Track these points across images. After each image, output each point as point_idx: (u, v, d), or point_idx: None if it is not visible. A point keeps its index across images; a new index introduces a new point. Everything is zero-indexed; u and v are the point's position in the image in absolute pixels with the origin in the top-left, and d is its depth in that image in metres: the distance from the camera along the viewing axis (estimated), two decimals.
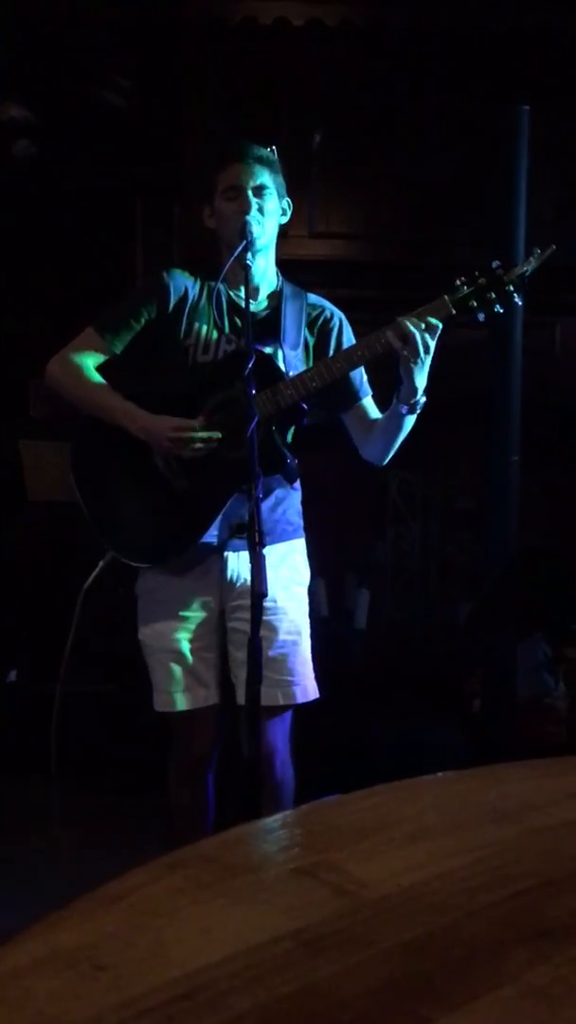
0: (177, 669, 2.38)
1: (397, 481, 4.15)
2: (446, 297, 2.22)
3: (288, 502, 2.43)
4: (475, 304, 2.22)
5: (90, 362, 2.39)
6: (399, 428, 2.34)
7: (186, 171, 2.69)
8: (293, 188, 2.46)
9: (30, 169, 3.78)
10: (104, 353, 2.39)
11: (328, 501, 2.59)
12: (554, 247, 2.28)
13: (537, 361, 3.60)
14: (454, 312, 2.21)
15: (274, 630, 2.35)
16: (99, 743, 3.61)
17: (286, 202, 2.40)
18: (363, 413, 2.44)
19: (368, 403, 2.45)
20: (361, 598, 4.07)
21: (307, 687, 2.40)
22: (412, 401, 2.27)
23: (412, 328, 2.17)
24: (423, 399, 2.28)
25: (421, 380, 2.24)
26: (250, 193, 2.31)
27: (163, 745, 2.54)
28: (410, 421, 2.33)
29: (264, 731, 2.32)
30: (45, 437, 4.01)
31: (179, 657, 2.38)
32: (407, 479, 4.15)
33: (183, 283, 2.39)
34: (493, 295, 2.22)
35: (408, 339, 2.18)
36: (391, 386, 2.34)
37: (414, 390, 2.25)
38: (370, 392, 2.45)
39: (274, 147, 2.39)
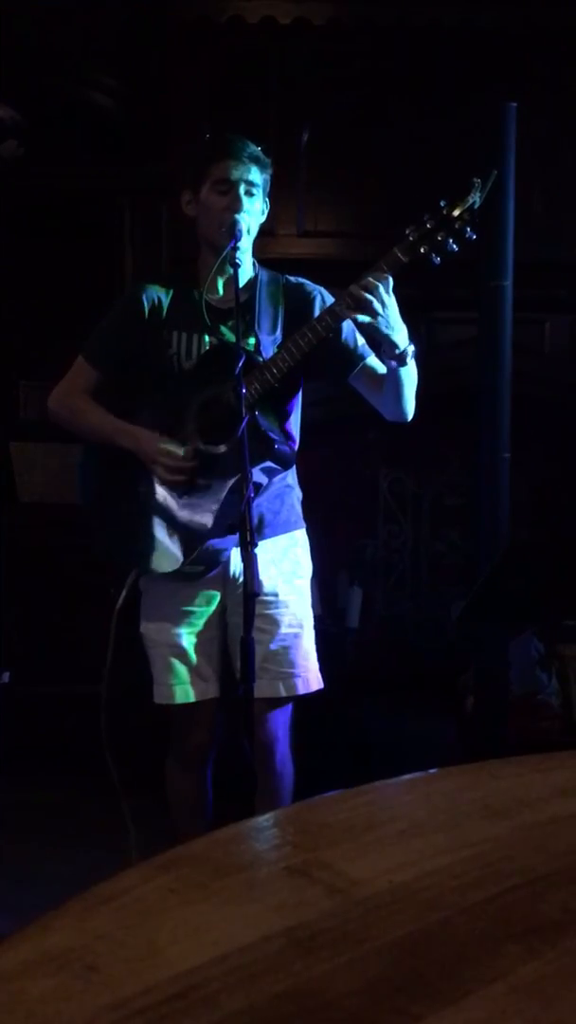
0: (177, 663, 2.41)
1: (388, 479, 4.16)
2: (396, 249, 2.19)
3: (290, 493, 2.45)
4: (426, 249, 2.17)
5: (85, 392, 2.45)
6: (399, 383, 2.31)
7: (174, 171, 2.70)
8: (281, 187, 2.46)
9: (17, 170, 3.77)
10: (96, 379, 2.46)
11: (319, 500, 2.58)
12: (496, 172, 2.25)
13: (526, 358, 3.61)
14: (405, 261, 2.18)
15: (276, 624, 2.39)
16: (94, 743, 3.61)
17: (266, 203, 2.40)
18: (370, 372, 2.39)
19: (373, 362, 2.39)
20: (353, 596, 4.07)
21: (309, 679, 2.43)
22: (397, 353, 2.24)
23: (363, 290, 2.15)
24: (411, 346, 2.25)
25: (393, 333, 2.21)
26: (242, 190, 2.30)
27: (159, 746, 2.55)
28: (408, 372, 2.30)
29: (265, 722, 2.37)
30: (36, 439, 4.01)
31: (179, 652, 2.41)
32: (398, 478, 4.16)
33: (156, 296, 2.43)
34: (443, 235, 2.17)
35: (361, 303, 2.15)
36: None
37: (392, 344, 2.22)
38: (371, 352, 2.39)
39: (262, 147, 2.38)
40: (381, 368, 2.37)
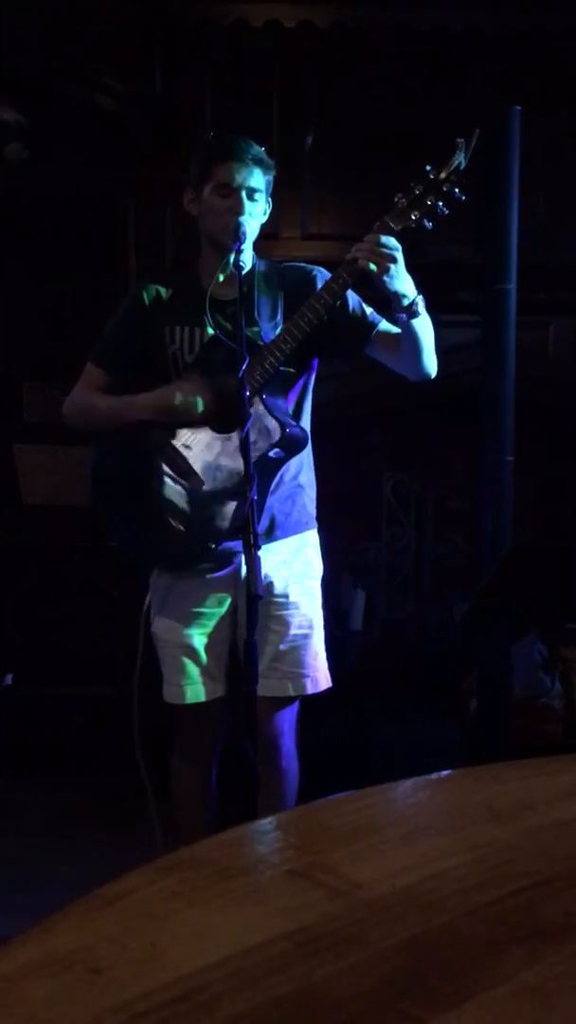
0: (187, 663, 2.42)
1: (391, 482, 4.16)
2: (387, 218, 2.21)
3: (302, 493, 2.45)
4: (416, 215, 2.20)
5: (96, 391, 2.47)
6: (414, 336, 2.30)
7: (178, 173, 2.71)
8: (285, 190, 2.46)
9: (21, 172, 3.78)
10: (105, 381, 2.47)
11: (323, 503, 2.58)
12: (478, 130, 2.27)
13: (530, 361, 3.60)
14: (397, 229, 2.20)
15: (286, 624, 2.40)
16: (96, 745, 3.61)
17: (268, 203, 2.40)
18: (385, 338, 2.39)
19: (386, 326, 2.39)
20: (356, 599, 4.07)
21: (318, 679, 2.45)
22: (406, 305, 2.24)
23: (362, 257, 2.16)
24: (419, 297, 2.25)
25: (401, 285, 2.21)
26: (244, 194, 2.30)
27: (162, 748, 2.55)
28: (421, 324, 2.29)
29: (272, 719, 2.39)
30: (39, 441, 4.01)
31: (190, 651, 2.42)
32: (401, 480, 4.16)
33: (157, 293, 2.44)
34: (432, 199, 2.20)
35: (370, 253, 2.16)
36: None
37: (399, 296, 2.22)
38: (382, 318, 2.40)
39: (265, 148, 2.39)
40: (395, 329, 2.37)
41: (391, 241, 2.17)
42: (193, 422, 2.31)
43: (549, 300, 3.80)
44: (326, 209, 3.84)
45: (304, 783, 2.47)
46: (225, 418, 2.28)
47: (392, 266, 2.17)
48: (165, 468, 2.33)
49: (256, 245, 2.39)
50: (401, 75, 3.79)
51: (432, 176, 2.21)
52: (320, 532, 2.53)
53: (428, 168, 2.21)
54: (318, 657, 2.46)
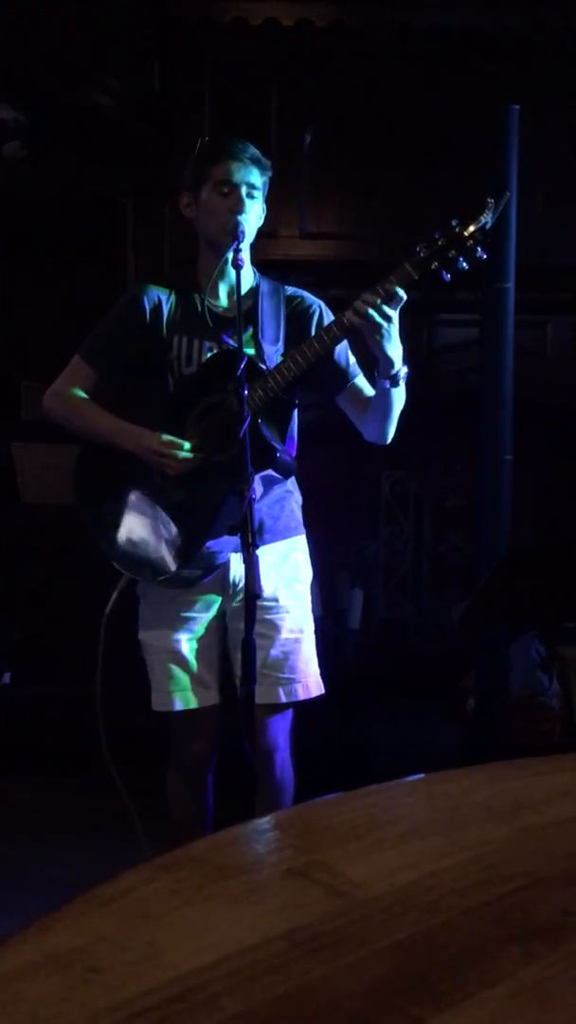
0: (177, 670, 2.38)
1: (390, 481, 4.16)
2: (407, 264, 2.19)
3: (290, 499, 2.44)
4: (436, 265, 2.17)
5: (81, 391, 2.41)
6: (388, 403, 2.31)
7: (176, 172, 2.71)
8: (284, 189, 2.46)
9: (20, 171, 3.78)
10: (93, 379, 2.42)
11: (321, 501, 2.58)
12: (508, 193, 2.25)
13: (528, 360, 3.61)
14: (416, 277, 2.18)
15: (276, 629, 2.37)
16: (95, 745, 3.61)
17: (264, 206, 2.39)
18: (356, 393, 2.41)
19: (361, 382, 2.41)
20: (354, 598, 4.07)
21: (309, 684, 2.41)
22: (391, 373, 2.24)
23: (367, 304, 2.16)
24: (404, 369, 2.26)
25: (392, 350, 2.21)
26: (243, 192, 2.30)
27: (159, 747, 2.54)
28: (398, 394, 2.30)
29: (265, 728, 2.34)
30: (38, 439, 4.01)
31: (179, 658, 2.38)
32: (399, 479, 4.16)
33: (157, 297, 2.40)
34: (453, 253, 2.17)
35: (364, 315, 2.16)
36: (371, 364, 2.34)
37: (389, 362, 2.22)
38: (360, 372, 2.41)
39: (262, 146, 2.38)
40: (368, 390, 2.38)
41: (386, 307, 2.15)
42: (173, 471, 2.28)
43: (547, 299, 3.81)
44: (324, 208, 3.85)
45: (301, 783, 2.45)
46: (221, 432, 2.26)
47: (385, 327, 2.17)
48: (151, 477, 2.33)
49: (254, 245, 2.39)
50: (400, 74, 3.79)
51: (456, 230, 2.17)
52: (318, 531, 2.52)
53: (454, 222, 2.18)
54: (309, 663, 2.42)
